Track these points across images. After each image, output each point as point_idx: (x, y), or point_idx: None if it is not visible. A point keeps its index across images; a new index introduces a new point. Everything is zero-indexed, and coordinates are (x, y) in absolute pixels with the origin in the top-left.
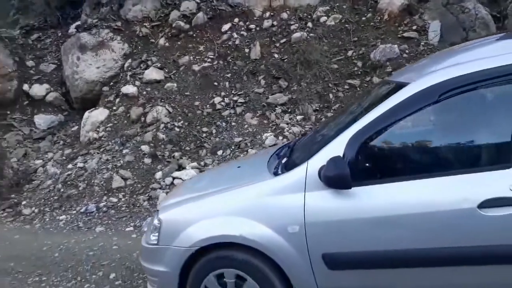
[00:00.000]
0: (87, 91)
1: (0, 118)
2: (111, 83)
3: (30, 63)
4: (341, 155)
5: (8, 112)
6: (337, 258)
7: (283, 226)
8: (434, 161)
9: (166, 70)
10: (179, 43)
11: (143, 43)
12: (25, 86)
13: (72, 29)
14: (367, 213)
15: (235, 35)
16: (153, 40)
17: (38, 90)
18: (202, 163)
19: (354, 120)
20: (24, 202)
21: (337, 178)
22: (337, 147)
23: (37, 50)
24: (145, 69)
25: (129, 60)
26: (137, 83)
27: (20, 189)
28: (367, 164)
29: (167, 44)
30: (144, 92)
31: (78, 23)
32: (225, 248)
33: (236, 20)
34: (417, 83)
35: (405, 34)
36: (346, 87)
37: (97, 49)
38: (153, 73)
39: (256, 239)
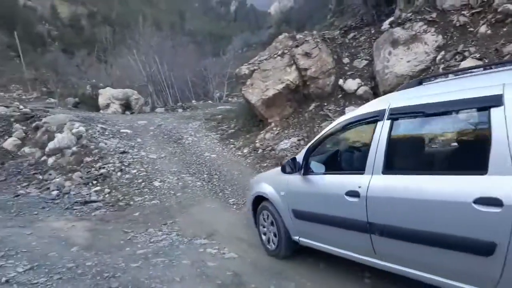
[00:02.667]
0: (396, 85)
1: (318, 109)
2: (421, 76)
3: (345, 60)
4: (297, 161)
5: (325, 104)
6: (296, 212)
7: (279, 191)
8: (338, 164)
9: (486, 61)
10: (504, 29)
11: (459, 33)
12: (340, 81)
13: (385, 25)
14: (310, 187)
15: None
16: (471, 29)
17: (351, 84)
18: None
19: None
20: None
21: (284, 169)
22: (301, 155)
23: (352, 48)
24: (461, 60)
25: (442, 52)
26: None
27: None
28: (309, 165)
29: (489, 31)
30: None
31: (392, 18)
32: (262, 198)
33: None
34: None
35: None
36: None
37: (409, 43)
38: (470, 65)
39: (270, 196)
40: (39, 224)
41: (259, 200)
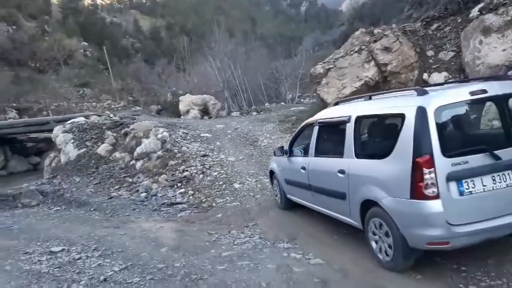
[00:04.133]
0: (488, 76)
1: None
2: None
3: (430, 52)
4: (283, 148)
5: None
6: (286, 180)
7: (278, 167)
8: (315, 151)
9: None
10: None
11: None
12: (425, 75)
13: (474, 12)
14: (290, 165)
15: None
16: None
17: (436, 78)
18: None
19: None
20: None
21: (274, 153)
22: (287, 144)
23: (436, 40)
24: None
25: None
26: None
27: None
28: (290, 151)
29: None
30: None
31: (482, 5)
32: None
33: None
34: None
35: None
36: None
37: (503, 30)
38: None
39: (275, 170)
40: (131, 224)
41: (272, 172)
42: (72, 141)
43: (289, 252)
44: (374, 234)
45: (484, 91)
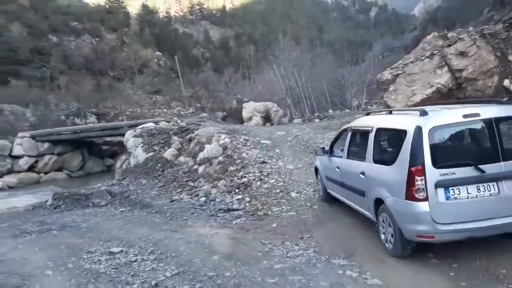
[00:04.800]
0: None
1: None
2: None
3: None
4: (325, 148)
5: None
6: (326, 176)
7: (320, 165)
8: (347, 153)
9: None
10: None
11: None
12: (506, 82)
13: None
14: (330, 164)
15: None
16: None
17: None
18: None
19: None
20: None
21: (316, 153)
22: (328, 145)
23: None
24: None
25: None
26: None
27: None
28: (329, 151)
29: None
30: None
31: None
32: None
33: None
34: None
35: None
36: None
37: None
38: None
39: (318, 167)
40: (188, 229)
41: (316, 169)
42: (141, 145)
43: (344, 269)
44: (383, 227)
45: (477, 115)
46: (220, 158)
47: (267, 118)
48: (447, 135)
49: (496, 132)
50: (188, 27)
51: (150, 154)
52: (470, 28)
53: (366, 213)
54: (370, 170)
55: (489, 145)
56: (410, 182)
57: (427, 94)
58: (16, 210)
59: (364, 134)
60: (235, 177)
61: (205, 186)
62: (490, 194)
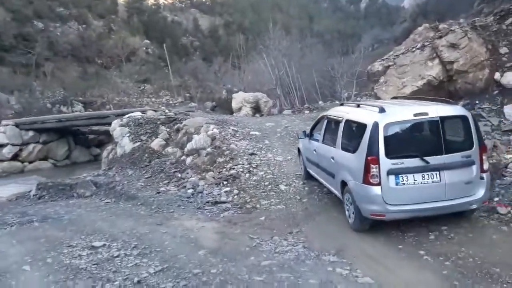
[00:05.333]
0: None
1: (468, 107)
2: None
3: (503, 50)
4: (306, 132)
5: (477, 102)
6: (306, 158)
7: (302, 146)
8: (323, 138)
9: None
10: None
11: None
12: (497, 75)
13: None
14: (309, 146)
15: None
16: None
17: (510, 78)
18: None
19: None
20: (496, 199)
21: (298, 136)
22: (309, 129)
23: (511, 35)
24: None
25: None
26: None
27: None
28: (309, 134)
29: None
30: None
31: None
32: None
33: None
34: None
35: None
36: None
37: None
38: None
39: (301, 149)
40: (174, 222)
41: (299, 150)
42: (128, 134)
43: (334, 266)
44: (347, 205)
45: (425, 114)
46: (209, 149)
47: (256, 109)
48: (399, 130)
49: (440, 129)
50: (177, 15)
51: (137, 144)
52: (461, 20)
53: (336, 192)
54: (338, 156)
55: (434, 140)
56: (367, 169)
57: (417, 86)
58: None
59: (336, 123)
60: (224, 169)
61: (193, 178)
62: (433, 181)
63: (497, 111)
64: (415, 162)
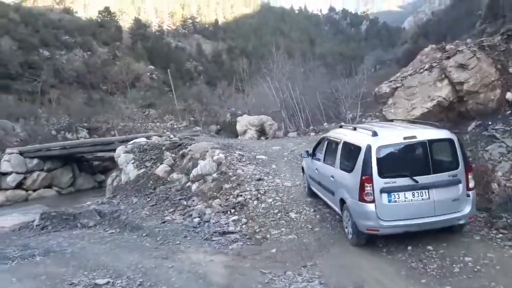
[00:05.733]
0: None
1: (481, 129)
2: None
3: None
4: (309, 152)
5: (489, 122)
6: (310, 177)
7: (305, 165)
8: (324, 158)
9: None
10: None
11: None
12: (508, 95)
13: None
14: (312, 165)
15: None
16: None
17: None
18: None
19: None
20: None
21: (301, 155)
22: (310, 150)
23: None
24: None
25: None
26: None
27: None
28: (312, 154)
29: None
30: None
31: None
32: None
33: None
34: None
35: None
36: None
37: None
38: None
39: (304, 167)
40: (180, 255)
41: (303, 168)
42: (133, 161)
43: None
44: (345, 221)
45: (414, 137)
46: (215, 175)
47: (261, 132)
48: (390, 152)
49: (428, 150)
50: (180, 40)
51: (142, 170)
52: (468, 40)
53: (336, 209)
54: (337, 175)
55: (423, 161)
56: (362, 187)
57: (427, 108)
58: (2, 230)
59: (335, 144)
60: (231, 196)
61: (199, 206)
62: (422, 198)
63: (511, 132)
64: (405, 181)
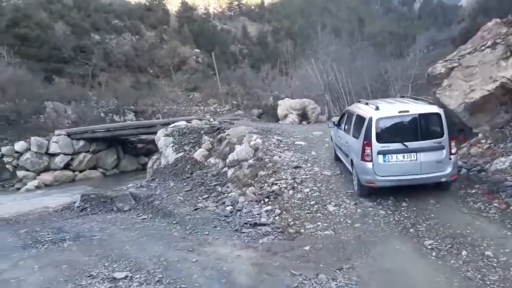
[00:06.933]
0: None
1: None
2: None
3: None
4: (334, 122)
5: None
6: (335, 144)
7: (333, 134)
8: (344, 127)
9: None
10: None
11: None
12: None
13: None
14: (336, 133)
15: None
16: None
17: None
18: None
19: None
20: None
21: (328, 125)
22: (335, 119)
23: None
24: None
25: None
26: None
27: None
28: (337, 124)
29: None
30: None
31: None
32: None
33: None
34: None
35: None
36: None
37: None
38: None
39: (332, 136)
40: (207, 248)
41: (331, 137)
42: (172, 144)
43: None
44: (354, 176)
45: (407, 111)
46: (251, 161)
47: (303, 116)
48: (387, 123)
49: (418, 122)
50: (226, 23)
51: (180, 154)
52: None
53: (349, 167)
54: (350, 141)
55: (413, 130)
56: (363, 150)
57: (488, 90)
58: (47, 210)
59: (351, 116)
60: (265, 184)
61: (233, 193)
62: (411, 160)
63: None
64: (397, 146)
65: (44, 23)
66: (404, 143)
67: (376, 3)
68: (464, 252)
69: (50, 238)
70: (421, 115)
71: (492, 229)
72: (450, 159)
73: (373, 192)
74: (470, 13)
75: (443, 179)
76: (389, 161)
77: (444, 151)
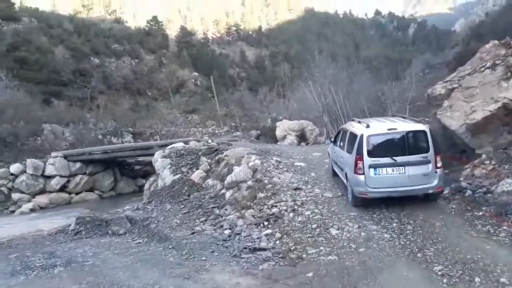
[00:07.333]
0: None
1: None
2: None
3: None
4: (331, 139)
5: None
6: (332, 159)
7: (330, 150)
8: (339, 144)
9: None
10: None
11: None
12: None
13: None
14: (334, 150)
15: None
16: None
17: None
18: None
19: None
20: None
21: (325, 142)
22: (332, 137)
23: None
24: None
25: None
26: None
27: None
28: (334, 141)
29: None
30: None
31: None
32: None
33: None
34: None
35: None
36: None
37: None
38: None
39: (329, 152)
40: (203, 275)
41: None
42: (169, 166)
43: None
44: (347, 189)
45: (395, 128)
46: (249, 183)
47: (302, 137)
48: (377, 139)
49: (405, 139)
50: (224, 48)
51: (178, 176)
52: None
53: (344, 180)
54: (344, 156)
55: (401, 146)
56: (356, 164)
57: (490, 111)
58: (41, 234)
59: (345, 133)
60: (265, 206)
61: (231, 216)
62: (399, 173)
63: None
64: (387, 160)
65: (44, 47)
66: (393, 157)
67: (371, 28)
68: (477, 279)
69: (40, 264)
70: (408, 132)
71: (504, 254)
72: (436, 172)
73: (367, 203)
74: (464, 38)
75: (430, 191)
76: (379, 174)
77: (430, 165)
